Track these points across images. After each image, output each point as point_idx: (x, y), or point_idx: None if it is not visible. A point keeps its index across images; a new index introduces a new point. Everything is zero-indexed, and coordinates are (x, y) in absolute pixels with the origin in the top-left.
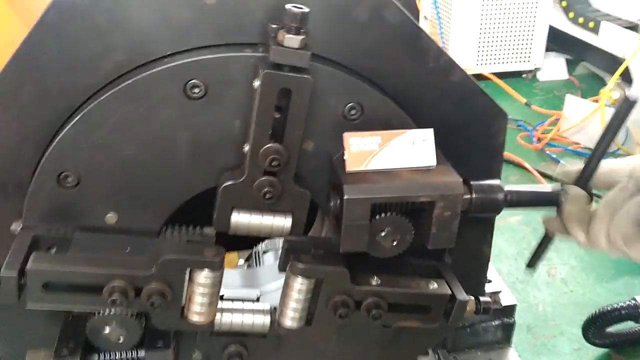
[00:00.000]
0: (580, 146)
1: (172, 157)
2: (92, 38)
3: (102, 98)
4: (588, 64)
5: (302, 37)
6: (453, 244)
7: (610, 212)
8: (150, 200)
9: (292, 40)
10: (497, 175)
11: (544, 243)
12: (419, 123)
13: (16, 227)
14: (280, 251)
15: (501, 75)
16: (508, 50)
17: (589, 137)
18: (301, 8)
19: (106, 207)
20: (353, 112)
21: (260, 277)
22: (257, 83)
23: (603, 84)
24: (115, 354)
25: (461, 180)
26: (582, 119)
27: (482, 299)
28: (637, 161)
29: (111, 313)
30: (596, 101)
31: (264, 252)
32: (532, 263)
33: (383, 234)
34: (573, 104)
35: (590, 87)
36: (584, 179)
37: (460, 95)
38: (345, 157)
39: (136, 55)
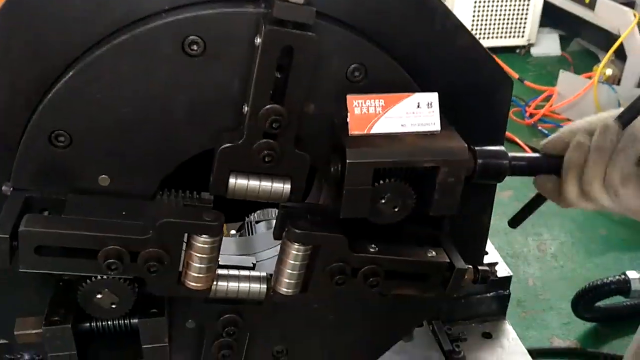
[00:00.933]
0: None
1: (169, 116)
2: None
3: (97, 53)
4: (582, 40)
5: None
6: (455, 211)
7: (603, 155)
8: (145, 161)
9: None
10: (500, 143)
11: (533, 204)
12: (424, 87)
13: (7, 188)
14: (272, 221)
15: (495, 50)
16: (502, 25)
17: (582, 114)
18: None
19: (99, 169)
20: (357, 73)
21: (256, 245)
22: (258, 40)
23: (596, 60)
24: (108, 321)
25: (466, 145)
26: (575, 95)
27: (480, 267)
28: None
29: (104, 278)
30: (589, 77)
31: (257, 222)
32: (514, 222)
33: (384, 200)
34: (566, 80)
35: (584, 63)
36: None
37: (467, 60)
38: (348, 120)
39: (133, 10)
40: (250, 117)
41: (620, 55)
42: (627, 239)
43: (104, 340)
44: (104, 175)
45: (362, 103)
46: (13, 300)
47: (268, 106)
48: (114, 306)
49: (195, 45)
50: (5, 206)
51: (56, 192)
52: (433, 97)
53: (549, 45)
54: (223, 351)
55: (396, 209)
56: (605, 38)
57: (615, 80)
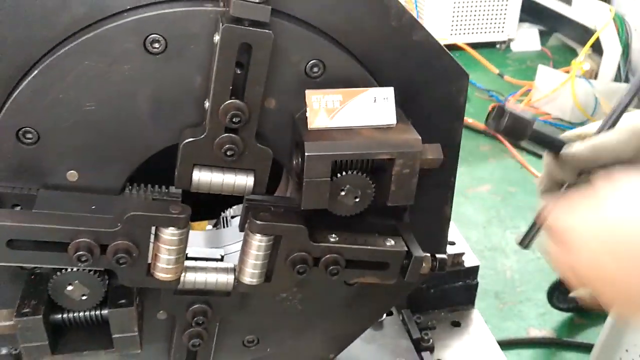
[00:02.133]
0: (552, 117)
1: (133, 113)
2: None
3: (60, 52)
4: (560, 35)
5: None
6: (412, 201)
7: None
8: (111, 157)
9: None
10: (458, 135)
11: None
12: (381, 82)
13: None
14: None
15: (475, 45)
16: (482, 21)
17: (560, 108)
18: None
19: (67, 165)
20: (315, 69)
21: (224, 238)
22: (217, 37)
23: (575, 55)
24: (79, 312)
25: (419, 138)
26: (553, 89)
27: (438, 256)
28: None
29: (74, 271)
30: (567, 72)
31: (232, 217)
32: (524, 242)
33: (344, 191)
34: (545, 74)
35: (563, 58)
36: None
37: (422, 54)
38: (307, 115)
39: (96, 9)
40: (212, 113)
41: (598, 49)
42: None
43: (76, 331)
44: (72, 171)
45: (320, 98)
46: None
47: (228, 101)
48: (84, 298)
49: (156, 44)
50: None
51: (27, 187)
52: (389, 91)
53: (528, 40)
54: (193, 340)
55: (356, 200)
56: (583, 33)
57: (593, 75)
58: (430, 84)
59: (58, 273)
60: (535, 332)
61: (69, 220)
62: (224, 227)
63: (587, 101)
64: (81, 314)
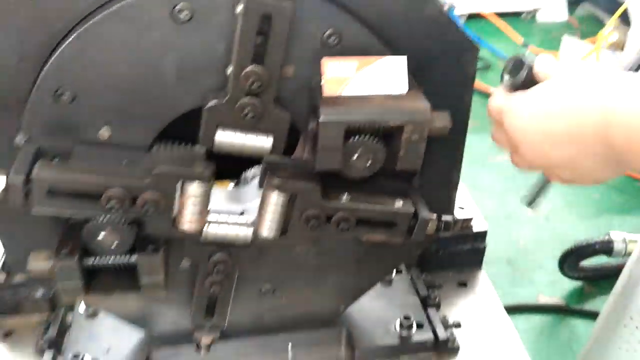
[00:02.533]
0: None
1: (160, 77)
2: None
3: (95, 19)
4: (589, 4)
5: None
6: (419, 166)
7: None
8: (141, 116)
9: None
10: (468, 105)
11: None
12: (394, 52)
13: (20, 140)
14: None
15: (500, 15)
16: None
17: None
18: None
19: (100, 122)
20: (332, 38)
21: (245, 196)
22: (239, 8)
23: (602, 25)
24: (109, 258)
25: (429, 105)
26: (578, 60)
27: (444, 217)
28: None
29: (105, 220)
30: (593, 43)
31: (252, 177)
32: (530, 201)
33: (356, 155)
34: (570, 45)
35: (590, 28)
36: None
37: (434, 26)
38: (322, 82)
39: None
40: (234, 78)
41: (626, 20)
42: (619, 202)
43: (106, 274)
44: (104, 128)
45: (336, 65)
46: (28, 237)
47: (249, 68)
48: (115, 245)
49: (183, 13)
50: (19, 155)
51: (64, 143)
52: (402, 60)
53: (555, 10)
54: (214, 287)
55: (368, 163)
56: (611, 2)
57: (621, 47)
58: (441, 55)
59: (91, 222)
60: (545, 299)
61: (101, 173)
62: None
63: None
64: (111, 259)
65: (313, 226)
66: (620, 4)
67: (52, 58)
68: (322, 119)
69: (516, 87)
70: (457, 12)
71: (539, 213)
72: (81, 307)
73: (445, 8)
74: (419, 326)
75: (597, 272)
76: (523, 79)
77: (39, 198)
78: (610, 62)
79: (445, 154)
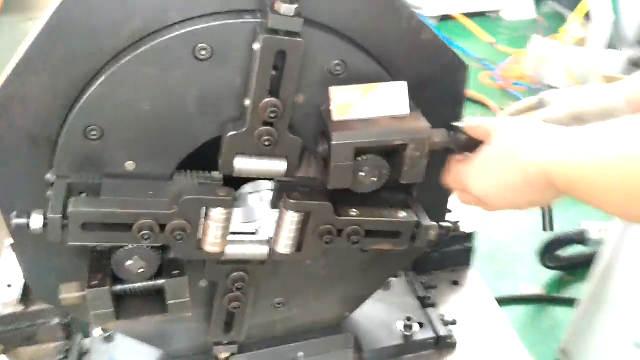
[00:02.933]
0: (544, 84)
1: (183, 110)
2: (115, 7)
3: (124, 61)
4: (552, 2)
5: (296, 5)
6: (422, 179)
7: None
8: (164, 149)
9: (288, 9)
10: (459, 118)
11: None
12: (394, 76)
13: (51, 177)
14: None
15: (468, 15)
16: None
17: (551, 76)
18: None
19: (126, 156)
20: (338, 68)
21: (254, 213)
22: (257, 46)
23: (565, 22)
24: (136, 283)
25: (429, 125)
26: (545, 57)
27: (443, 224)
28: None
29: (133, 247)
30: (558, 40)
31: (249, 193)
32: (546, 227)
33: (364, 172)
34: (537, 43)
35: (555, 25)
36: None
37: (429, 51)
38: (331, 108)
39: (152, 22)
40: (253, 110)
41: (588, 17)
42: None
43: (133, 299)
44: (130, 162)
45: (342, 93)
46: (53, 269)
47: (266, 99)
48: (141, 270)
49: (204, 52)
50: (53, 192)
51: (91, 177)
52: (402, 85)
53: (521, 8)
54: (233, 303)
55: (374, 179)
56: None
57: (584, 42)
58: (436, 75)
59: (120, 250)
60: (526, 290)
61: (132, 205)
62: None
63: (578, 68)
64: (138, 284)
65: (327, 241)
66: (580, 1)
67: (84, 98)
68: (334, 142)
69: (459, 149)
70: (428, 15)
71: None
72: (96, 332)
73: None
74: (420, 326)
75: (573, 261)
76: (463, 142)
77: (74, 232)
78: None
79: (440, 165)
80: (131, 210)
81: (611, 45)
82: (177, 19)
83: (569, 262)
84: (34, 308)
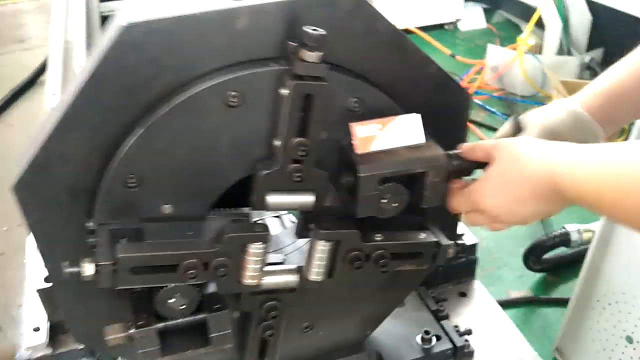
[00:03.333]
0: (505, 92)
1: (215, 154)
2: (147, 64)
3: (160, 113)
4: (503, 11)
5: (320, 53)
6: (442, 203)
7: None
8: (198, 190)
9: (313, 56)
10: (464, 138)
11: None
12: (404, 108)
13: (92, 225)
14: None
15: (425, 28)
16: (430, 3)
17: (511, 83)
18: (317, 30)
19: (162, 200)
20: (356, 105)
21: (278, 242)
22: (285, 91)
23: (519, 30)
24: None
25: (444, 152)
26: (504, 67)
27: (459, 242)
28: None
29: (175, 286)
30: (514, 49)
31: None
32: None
33: (385, 199)
34: (494, 53)
35: (508, 34)
36: None
37: (434, 82)
38: (354, 142)
39: (182, 75)
40: (283, 150)
41: (541, 25)
42: None
43: (174, 334)
44: (166, 205)
45: (363, 128)
46: (93, 312)
47: (296, 140)
48: (183, 307)
49: (234, 99)
50: (98, 239)
51: (130, 222)
52: (417, 117)
53: (474, 19)
54: (267, 332)
55: (395, 205)
56: (524, 9)
57: (538, 49)
58: (441, 105)
59: (162, 289)
60: (515, 293)
61: (176, 247)
62: None
63: (536, 75)
64: (180, 320)
65: (357, 266)
66: (531, 10)
67: (124, 149)
68: (361, 174)
69: (458, 174)
70: None
71: None
72: None
73: None
74: (438, 338)
75: (556, 262)
76: (463, 167)
77: (123, 276)
78: (532, 65)
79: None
80: (176, 252)
81: (565, 52)
82: (205, 71)
83: (552, 264)
84: (61, 350)
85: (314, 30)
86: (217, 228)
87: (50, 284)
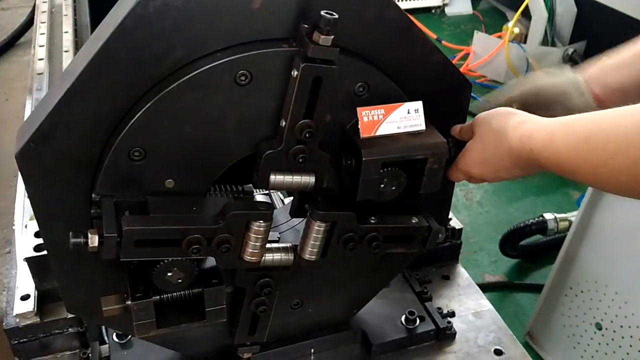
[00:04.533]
0: (487, 79)
1: (221, 132)
2: (159, 39)
3: (169, 89)
4: None
5: (332, 36)
6: (438, 188)
7: None
8: (201, 167)
9: (326, 39)
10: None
11: None
12: (408, 95)
13: (95, 196)
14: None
15: (412, 11)
16: None
17: (495, 71)
18: (332, 14)
19: (166, 175)
20: (361, 89)
21: (275, 220)
22: (295, 73)
23: (505, 17)
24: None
25: (445, 140)
26: (489, 54)
27: (448, 227)
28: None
29: (173, 260)
30: (500, 36)
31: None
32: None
33: (384, 184)
34: (480, 40)
35: (494, 21)
36: None
37: (439, 72)
38: (358, 127)
39: (193, 51)
40: (288, 130)
41: (526, 14)
42: (541, 184)
43: (169, 307)
44: (169, 180)
45: (368, 113)
46: (87, 283)
47: (302, 121)
48: (180, 281)
49: (244, 77)
50: (103, 211)
51: (134, 196)
52: (419, 104)
53: (461, 4)
54: (260, 307)
55: (393, 189)
56: None
57: (522, 38)
58: (444, 93)
59: (160, 263)
60: (490, 278)
61: (182, 221)
62: None
63: (520, 64)
64: (176, 293)
65: (351, 247)
66: None
67: (130, 122)
68: (364, 158)
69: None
70: None
71: (472, 199)
72: (114, 337)
73: None
74: (421, 319)
75: (532, 249)
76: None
77: (127, 248)
78: (516, 53)
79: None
80: (181, 227)
81: (549, 42)
82: (216, 48)
83: (527, 251)
84: (49, 319)
85: (328, 13)
86: (220, 204)
87: (38, 254)
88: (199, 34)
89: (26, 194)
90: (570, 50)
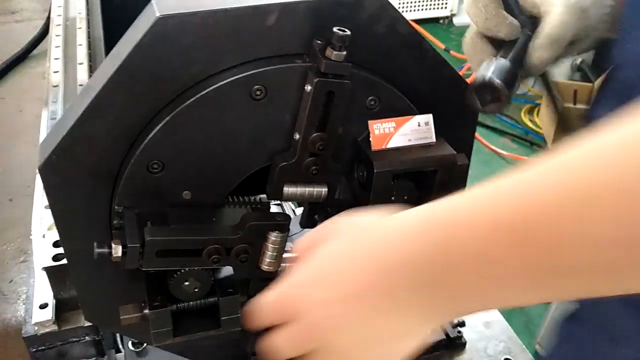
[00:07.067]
0: None
1: (236, 144)
2: (178, 56)
3: (186, 103)
4: None
5: (344, 52)
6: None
7: None
8: (217, 179)
9: (338, 55)
10: (472, 140)
11: None
12: (419, 107)
13: (117, 207)
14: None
15: (419, 22)
16: None
17: None
18: (344, 31)
19: (183, 187)
20: (372, 103)
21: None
22: (309, 87)
23: None
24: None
25: (455, 152)
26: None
27: None
28: None
29: (190, 270)
30: None
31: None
32: None
33: (395, 195)
34: None
35: None
36: None
37: (448, 84)
38: (370, 139)
39: (210, 66)
40: (302, 143)
41: None
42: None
43: (184, 316)
44: (186, 192)
45: (379, 126)
46: (105, 292)
47: (315, 134)
48: (196, 290)
49: (259, 92)
50: (126, 221)
51: (154, 206)
52: (429, 117)
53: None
54: None
55: (404, 200)
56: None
57: None
58: (453, 105)
59: (177, 272)
60: None
61: (201, 232)
62: None
63: None
64: (192, 303)
65: None
66: None
67: (149, 136)
68: (376, 169)
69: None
70: None
71: None
72: (130, 345)
73: None
74: None
75: None
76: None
77: (149, 258)
78: None
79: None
80: (201, 237)
81: None
82: (233, 64)
83: None
84: (67, 327)
85: (341, 30)
86: (238, 215)
87: (57, 263)
88: (216, 50)
89: (46, 205)
90: (579, 60)
